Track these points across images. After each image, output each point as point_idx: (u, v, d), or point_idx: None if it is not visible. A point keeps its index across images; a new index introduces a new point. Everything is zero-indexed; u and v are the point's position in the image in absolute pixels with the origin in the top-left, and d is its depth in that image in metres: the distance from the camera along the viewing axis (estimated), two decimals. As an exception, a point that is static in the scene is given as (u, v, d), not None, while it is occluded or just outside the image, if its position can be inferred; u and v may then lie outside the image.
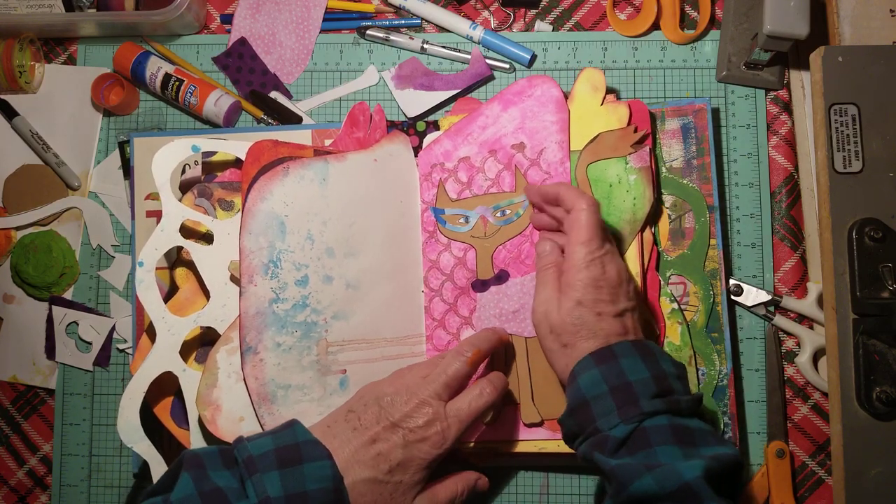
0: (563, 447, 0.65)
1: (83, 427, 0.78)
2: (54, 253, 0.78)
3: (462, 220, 0.70)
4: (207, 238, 0.69)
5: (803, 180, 0.75)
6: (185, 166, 0.75)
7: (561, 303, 0.58)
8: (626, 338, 0.57)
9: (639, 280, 0.66)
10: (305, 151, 0.70)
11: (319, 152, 0.70)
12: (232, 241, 0.67)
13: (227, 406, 0.65)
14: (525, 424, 0.67)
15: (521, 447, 0.67)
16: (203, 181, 0.74)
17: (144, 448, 0.65)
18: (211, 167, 0.75)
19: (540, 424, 0.67)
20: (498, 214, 0.69)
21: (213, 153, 0.74)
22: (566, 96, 0.70)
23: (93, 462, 0.77)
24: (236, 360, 0.65)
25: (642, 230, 0.67)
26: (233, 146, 0.71)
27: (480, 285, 0.69)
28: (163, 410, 0.70)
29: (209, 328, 0.67)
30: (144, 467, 0.71)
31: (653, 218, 0.73)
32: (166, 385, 0.67)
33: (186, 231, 0.71)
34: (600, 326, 0.57)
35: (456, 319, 0.70)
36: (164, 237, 0.67)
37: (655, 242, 0.70)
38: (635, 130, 0.68)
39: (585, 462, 0.54)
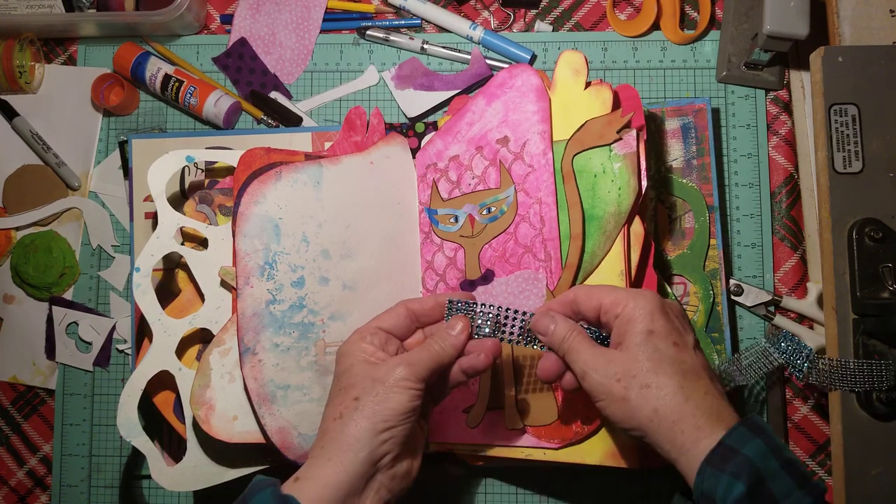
0: (549, 455, 0.64)
1: (83, 427, 0.78)
2: (54, 253, 0.78)
3: (452, 220, 0.70)
4: (206, 242, 0.70)
5: (803, 180, 0.75)
6: (185, 169, 0.76)
7: (625, 343, 0.51)
8: (708, 373, 0.51)
9: (623, 278, 0.63)
10: (297, 158, 0.70)
11: (312, 158, 0.70)
12: (226, 246, 0.68)
13: (221, 406, 0.65)
14: (507, 429, 0.65)
15: (508, 452, 0.66)
16: (205, 187, 0.74)
17: (142, 442, 0.66)
18: (213, 173, 0.76)
19: (522, 431, 0.65)
20: (484, 212, 0.68)
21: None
22: (549, 84, 0.68)
23: (93, 462, 0.77)
24: (229, 361, 0.66)
25: (629, 223, 0.63)
26: (226, 156, 0.71)
27: (468, 285, 0.68)
28: (165, 405, 0.71)
29: (204, 329, 0.68)
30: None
31: (651, 214, 0.73)
32: (168, 381, 0.68)
33: (186, 235, 0.72)
34: (682, 359, 0.50)
35: None
36: (159, 244, 0.68)
37: (654, 239, 0.70)
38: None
39: None
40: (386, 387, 0.52)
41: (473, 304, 0.57)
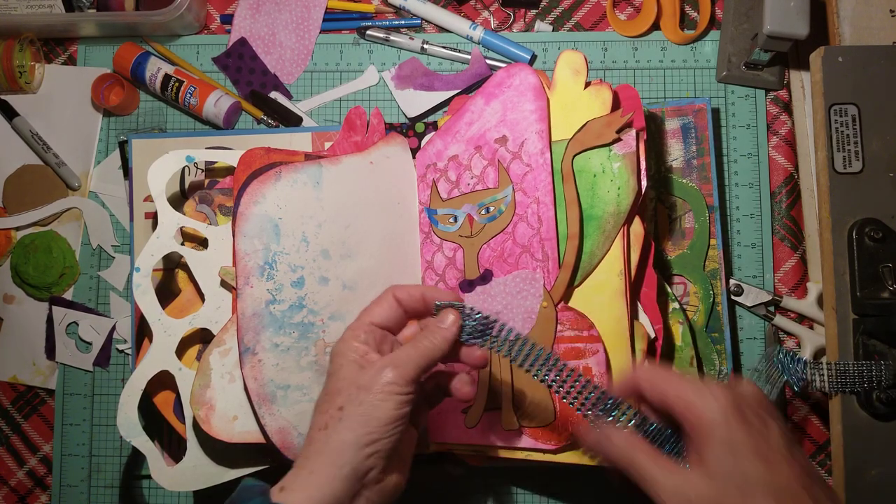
0: (548, 456, 0.64)
1: (83, 427, 0.78)
2: (54, 253, 0.79)
3: (451, 220, 0.70)
4: (206, 242, 0.70)
5: (803, 180, 0.75)
6: (185, 169, 0.76)
7: (704, 460, 0.44)
8: (805, 480, 0.44)
9: (622, 278, 0.63)
10: (297, 158, 0.70)
11: (312, 158, 0.70)
12: (226, 246, 0.68)
13: (221, 406, 0.65)
14: (504, 430, 0.65)
15: (506, 453, 0.65)
16: (205, 187, 0.75)
17: (142, 442, 0.66)
18: (213, 173, 0.76)
19: (520, 432, 0.64)
20: (483, 212, 0.68)
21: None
22: (549, 84, 0.67)
23: (93, 462, 0.77)
24: (229, 361, 0.66)
25: (628, 222, 0.63)
26: (226, 156, 0.71)
27: (467, 285, 0.68)
28: (165, 405, 0.71)
29: (204, 329, 0.68)
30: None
31: (651, 214, 0.73)
32: (168, 381, 0.68)
33: (186, 234, 0.72)
34: (775, 480, 0.43)
35: None
36: (159, 244, 0.68)
37: (654, 239, 0.70)
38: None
39: None
40: (371, 394, 0.49)
41: (461, 305, 0.53)
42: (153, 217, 0.75)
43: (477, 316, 0.52)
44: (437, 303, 0.53)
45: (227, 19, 0.82)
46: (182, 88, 0.78)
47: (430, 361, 0.51)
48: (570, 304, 0.64)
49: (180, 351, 0.68)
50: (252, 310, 0.65)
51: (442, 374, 0.55)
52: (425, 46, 0.79)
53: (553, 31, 0.79)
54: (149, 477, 0.72)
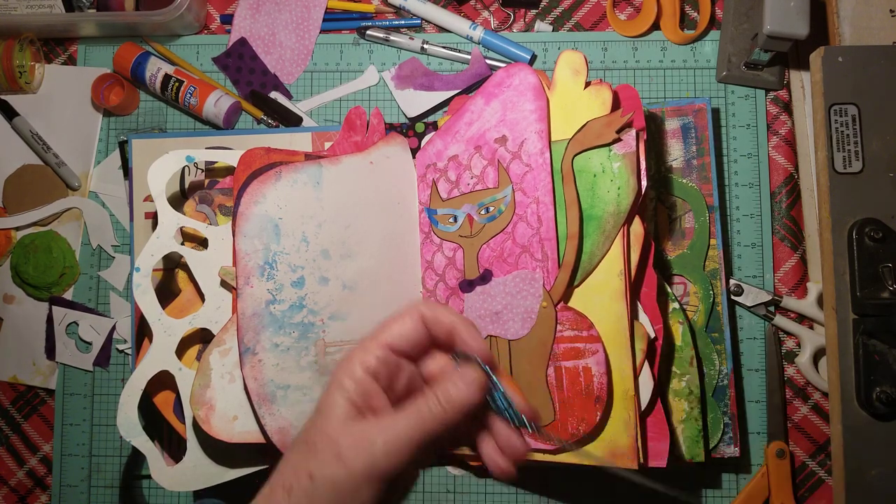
0: (548, 456, 0.64)
1: (83, 427, 0.78)
2: (54, 253, 0.79)
3: (451, 220, 0.70)
4: (206, 242, 0.70)
5: (803, 180, 0.75)
6: (185, 169, 0.76)
7: None
8: None
9: (622, 278, 0.63)
10: (297, 158, 0.70)
11: (312, 158, 0.70)
12: (226, 246, 0.69)
13: (221, 406, 0.65)
14: None
15: None
16: (205, 187, 0.75)
17: (142, 442, 0.66)
18: (213, 173, 0.76)
19: (519, 432, 0.63)
20: (482, 212, 0.68)
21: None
22: (549, 84, 0.67)
23: (93, 462, 0.77)
24: (229, 361, 0.66)
25: (628, 222, 0.63)
26: (226, 156, 0.71)
27: (467, 286, 0.68)
28: (165, 405, 0.71)
29: (204, 329, 0.68)
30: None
31: (651, 214, 0.73)
32: (168, 381, 0.68)
33: (186, 234, 0.72)
34: None
35: None
36: (159, 244, 0.68)
37: (654, 239, 0.70)
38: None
39: None
40: (349, 474, 0.39)
41: (490, 371, 0.43)
42: (153, 217, 0.75)
43: (500, 390, 0.43)
44: (455, 350, 0.43)
45: (227, 19, 0.82)
46: (182, 88, 0.78)
47: (434, 436, 0.41)
48: (570, 304, 0.64)
49: (180, 351, 0.68)
50: (252, 310, 0.65)
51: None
52: (425, 46, 0.79)
53: (553, 31, 0.79)
54: (149, 477, 0.72)
